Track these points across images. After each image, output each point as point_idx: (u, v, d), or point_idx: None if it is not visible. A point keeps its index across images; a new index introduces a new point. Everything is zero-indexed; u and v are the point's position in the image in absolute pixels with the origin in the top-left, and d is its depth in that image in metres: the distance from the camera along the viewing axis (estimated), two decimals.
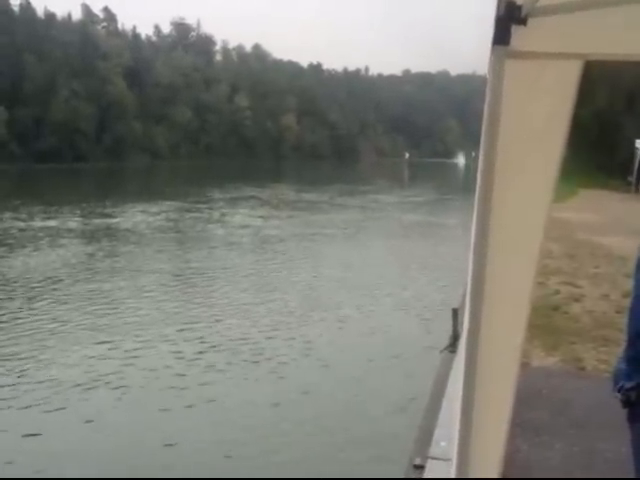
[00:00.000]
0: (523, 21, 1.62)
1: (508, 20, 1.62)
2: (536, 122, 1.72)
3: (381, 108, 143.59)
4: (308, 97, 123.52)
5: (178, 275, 17.95)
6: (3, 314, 13.27)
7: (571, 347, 7.73)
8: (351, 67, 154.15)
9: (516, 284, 1.78)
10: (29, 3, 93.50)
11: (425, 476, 4.57)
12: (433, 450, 4.80)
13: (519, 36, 1.63)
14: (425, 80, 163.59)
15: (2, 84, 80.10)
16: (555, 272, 12.03)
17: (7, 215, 30.05)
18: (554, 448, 5.14)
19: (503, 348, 1.79)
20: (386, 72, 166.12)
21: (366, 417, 8.48)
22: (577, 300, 10.13)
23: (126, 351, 10.97)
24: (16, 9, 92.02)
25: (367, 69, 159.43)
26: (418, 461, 4.73)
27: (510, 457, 5.30)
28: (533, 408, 5.77)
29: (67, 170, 68.95)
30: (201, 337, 11.87)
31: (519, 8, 1.61)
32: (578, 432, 5.43)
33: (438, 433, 5.02)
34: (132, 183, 61.06)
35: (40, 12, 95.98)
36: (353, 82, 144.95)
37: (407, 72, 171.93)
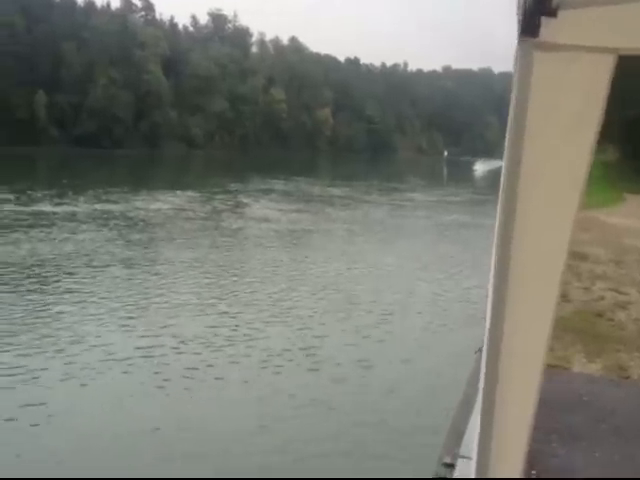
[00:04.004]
0: (553, 12, 1.56)
1: (537, 11, 1.56)
2: (565, 119, 1.66)
3: (420, 104, 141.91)
4: (344, 91, 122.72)
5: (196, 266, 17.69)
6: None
7: (615, 355, 7.56)
8: (389, 62, 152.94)
9: (541, 286, 1.73)
10: None
11: (455, 475, 4.57)
12: (463, 449, 4.80)
13: (548, 28, 1.58)
14: (466, 77, 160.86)
15: (42, 70, 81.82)
16: (601, 278, 11.84)
17: (47, 198, 30.63)
18: (593, 455, 4.97)
19: (526, 350, 1.76)
20: (426, 68, 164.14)
21: None
22: (623, 307, 9.90)
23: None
24: None
25: (406, 64, 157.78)
26: (448, 460, 4.73)
27: (546, 461, 4.99)
28: (573, 414, 5.72)
29: (104, 155, 70.29)
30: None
31: None
32: (619, 440, 5.23)
33: (469, 432, 4.93)
34: (166, 171, 61.57)
35: (80, 0, 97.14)
36: (391, 77, 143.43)
37: (448, 68, 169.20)
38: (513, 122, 1.66)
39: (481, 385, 1.82)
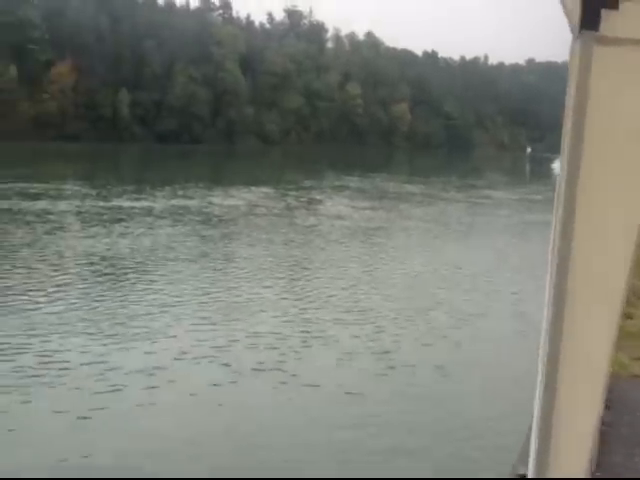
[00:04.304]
0: (615, 5, 1.50)
1: (598, 3, 1.49)
2: (627, 116, 1.57)
3: (501, 99, 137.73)
4: (422, 86, 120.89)
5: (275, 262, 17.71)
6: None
7: None
8: (469, 55, 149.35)
9: (605, 290, 1.65)
10: None
11: None
12: None
13: (609, 21, 1.51)
14: (551, 70, 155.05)
15: (125, 69, 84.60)
16: None
17: (126, 193, 31.39)
18: None
19: (588, 355, 1.67)
20: (508, 61, 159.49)
21: None
22: None
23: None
24: None
25: (486, 58, 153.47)
26: (522, 470, 4.52)
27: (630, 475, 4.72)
28: None
29: (183, 151, 71.95)
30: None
31: None
32: None
33: None
34: (241, 166, 62.33)
35: (161, 0, 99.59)
36: (471, 71, 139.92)
37: (531, 61, 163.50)
38: (572, 119, 1.57)
39: (538, 392, 1.70)
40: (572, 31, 1.56)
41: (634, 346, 7.82)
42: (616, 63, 1.56)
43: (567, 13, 1.54)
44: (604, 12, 1.51)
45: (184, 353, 10.10)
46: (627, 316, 8.96)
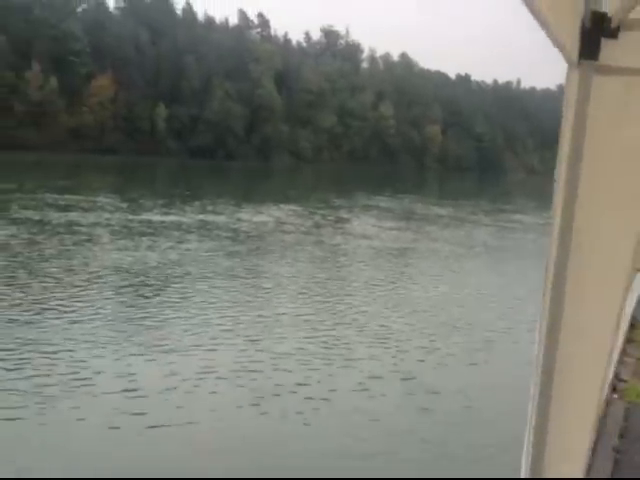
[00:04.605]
0: (614, 34, 1.50)
1: (597, 33, 1.49)
2: (624, 145, 1.58)
3: (532, 122, 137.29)
4: (454, 108, 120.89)
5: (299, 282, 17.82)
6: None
7: None
8: (501, 80, 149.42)
9: (601, 304, 1.66)
10: (191, 7, 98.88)
11: None
12: None
13: (608, 50, 1.52)
14: None
15: (164, 83, 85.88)
16: None
17: (157, 207, 31.89)
18: None
19: (582, 367, 1.68)
20: (539, 86, 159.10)
21: None
22: None
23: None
24: (179, 12, 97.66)
25: (519, 82, 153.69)
26: None
27: None
28: None
29: (217, 167, 72.40)
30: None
31: (609, 20, 1.49)
32: None
33: None
34: (273, 184, 62.82)
35: (200, 16, 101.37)
36: (503, 95, 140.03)
37: (562, 87, 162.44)
38: (569, 147, 1.59)
39: (533, 402, 1.72)
40: (568, 61, 1.57)
41: None
42: (614, 92, 1.57)
43: (561, 43, 1.51)
44: (603, 41, 1.52)
45: (208, 370, 10.14)
46: None
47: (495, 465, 7.47)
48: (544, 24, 1.39)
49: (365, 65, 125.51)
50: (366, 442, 8.24)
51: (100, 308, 13.36)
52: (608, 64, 1.53)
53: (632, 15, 1.49)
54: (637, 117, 1.58)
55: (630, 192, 1.62)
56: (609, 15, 1.49)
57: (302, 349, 11.66)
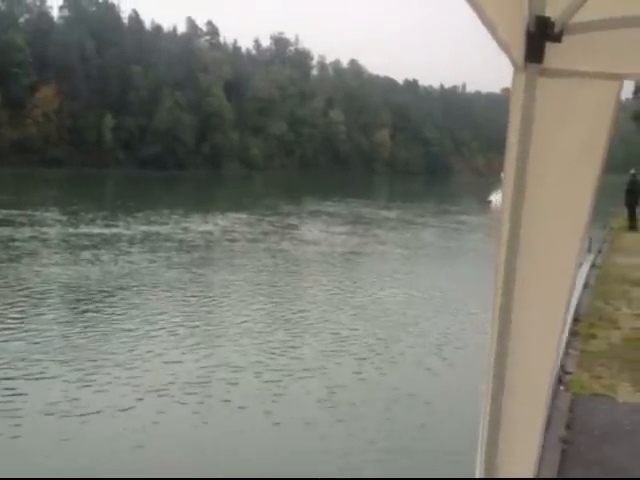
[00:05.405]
0: (557, 38, 1.53)
1: (541, 36, 1.53)
2: (571, 147, 1.62)
3: (478, 126, 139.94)
4: (403, 113, 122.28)
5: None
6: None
7: None
8: (447, 84, 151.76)
9: (549, 306, 1.69)
10: (137, 15, 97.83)
11: None
12: None
13: (552, 54, 1.55)
14: None
15: (110, 93, 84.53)
16: None
17: (98, 219, 31.42)
18: None
19: (533, 360, 1.71)
20: (484, 90, 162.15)
21: None
22: None
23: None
24: (125, 21, 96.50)
25: (464, 86, 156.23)
26: None
27: None
28: (616, 445, 5.57)
29: (167, 177, 71.59)
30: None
31: (552, 24, 1.52)
32: None
33: None
34: (222, 192, 62.51)
35: (148, 24, 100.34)
36: (449, 99, 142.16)
37: (506, 90, 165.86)
38: (515, 150, 1.61)
39: (485, 401, 1.73)
40: (513, 64, 1.59)
41: (595, 365, 8.02)
42: (559, 94, 1.60)
43: (507, 47, 1.54)
44: (548, 45, 1.55)
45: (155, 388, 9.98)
46: (591, 336, 9.24)
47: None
48: (490, 28, 1.43)
49: (315, 72, 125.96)
50: None
51: (33, 324, 13.05)
52: (552, 67, 1.57)
53: (574, 19, 1.52)
54: (582, 118, 1.62)
55: (576, 193, 1.65)
56: (552, 19, 1.52)
57: (257, 358, 11.59)
